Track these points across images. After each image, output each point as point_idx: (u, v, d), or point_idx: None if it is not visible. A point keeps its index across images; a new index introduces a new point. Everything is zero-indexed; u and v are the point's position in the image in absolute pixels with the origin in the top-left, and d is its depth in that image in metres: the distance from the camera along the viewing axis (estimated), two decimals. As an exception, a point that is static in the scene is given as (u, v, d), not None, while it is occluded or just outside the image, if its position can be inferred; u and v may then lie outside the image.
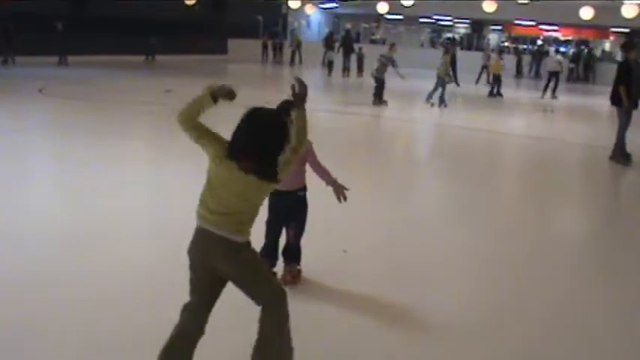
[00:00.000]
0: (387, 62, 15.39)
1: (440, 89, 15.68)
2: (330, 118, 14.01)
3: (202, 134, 2.96)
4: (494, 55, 21.90)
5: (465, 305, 4.43)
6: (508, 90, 20.37)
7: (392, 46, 16.21)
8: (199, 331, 3.02)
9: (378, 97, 15.40)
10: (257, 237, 3.41)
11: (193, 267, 3.01)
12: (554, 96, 19.78)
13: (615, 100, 9.74)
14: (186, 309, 3.03)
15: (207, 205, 2.93)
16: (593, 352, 3.87)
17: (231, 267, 2.95)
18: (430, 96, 15.83)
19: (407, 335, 3.88)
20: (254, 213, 3.01)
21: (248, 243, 3.02)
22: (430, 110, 15.43)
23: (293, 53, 29.18)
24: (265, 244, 4.36)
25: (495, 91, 19.43)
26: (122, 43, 25.84)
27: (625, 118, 9.68)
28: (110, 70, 21.23)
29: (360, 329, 3.89)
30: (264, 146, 2.87)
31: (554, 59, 21.09)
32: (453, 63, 16.68)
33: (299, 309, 3.43)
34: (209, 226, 2.92)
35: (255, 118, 2.88)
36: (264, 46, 30.51)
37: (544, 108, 17.84)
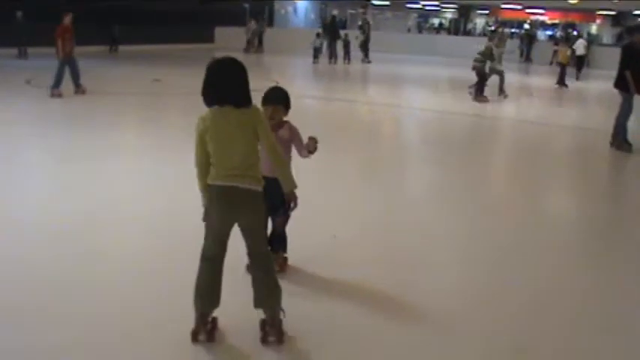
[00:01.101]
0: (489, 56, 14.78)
1: (500, 79, 15.37)
2: (319, 105, 14.00)
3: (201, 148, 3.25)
4: (562, 45, 22.48)
5: (456, 291, 4.42)
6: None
7: (499, 38, 16.06)
8: (223, 252, 3.35)
9: (480, 91, 14.71)
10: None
11: (215, 223, 3.27)
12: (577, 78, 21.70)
13: (619, 84, 9.52)
14: (208, 250, 3.32)
15: (221, 165, 3.19)
16: (590, 345, 3.83)
17: (252, 216, 3.28)
18: (501, 90, 15.43)
19: (396, 321, 3.88)
20: (257, 157, 3.27)
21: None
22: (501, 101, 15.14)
23: (259, 40, 29.30)
24: None
25: (560, 80, 19.63)
26: (94, 32, 23.89)
27: (627, 104, 9.48)
28: (91, 60, 20.95)
29: (349, 316, 3.88)
30: (231, 83, 3.22)
31: (582, 44, 22.59)
32: (366, 41, 15.93)
33: (286, 296, 3.45)
34: (233, 182, 3.18)
35: (217, 66, 3.23)
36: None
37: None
